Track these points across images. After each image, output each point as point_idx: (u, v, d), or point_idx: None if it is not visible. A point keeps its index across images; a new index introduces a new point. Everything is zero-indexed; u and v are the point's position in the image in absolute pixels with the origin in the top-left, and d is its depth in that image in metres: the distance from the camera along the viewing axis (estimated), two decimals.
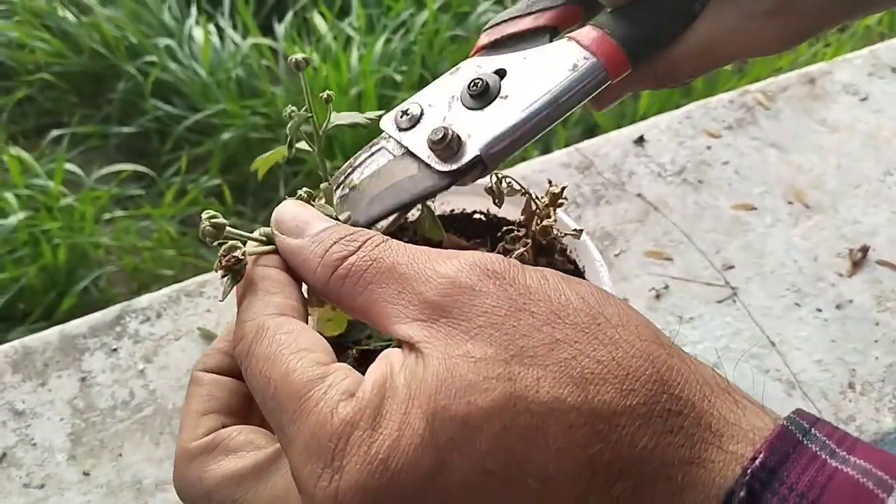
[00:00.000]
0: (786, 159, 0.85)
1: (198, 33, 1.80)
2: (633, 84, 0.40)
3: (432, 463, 0.25)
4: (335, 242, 0.32)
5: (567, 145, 0.87)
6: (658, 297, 0.73)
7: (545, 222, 0.45)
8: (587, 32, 0.37)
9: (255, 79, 1.77)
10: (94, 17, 1.86)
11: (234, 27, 1.87)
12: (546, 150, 1.50)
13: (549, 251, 0.46)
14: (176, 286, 0.74)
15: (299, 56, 0.38)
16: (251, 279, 0.34)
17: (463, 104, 0.36)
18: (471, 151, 0.35)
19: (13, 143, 1.69)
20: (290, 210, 0.34)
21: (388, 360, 0.28)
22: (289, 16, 1.84)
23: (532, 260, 0.45)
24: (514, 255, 0.46)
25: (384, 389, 0.27)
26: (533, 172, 0.84)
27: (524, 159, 0.96)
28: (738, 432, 0.26)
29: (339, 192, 0.38)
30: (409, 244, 0.31)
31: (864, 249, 0.76)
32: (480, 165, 0.35)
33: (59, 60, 1.86)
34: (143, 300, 0.73)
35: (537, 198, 0.47)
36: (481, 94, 0.36)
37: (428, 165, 0.36)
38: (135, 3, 1.89)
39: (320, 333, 0.32)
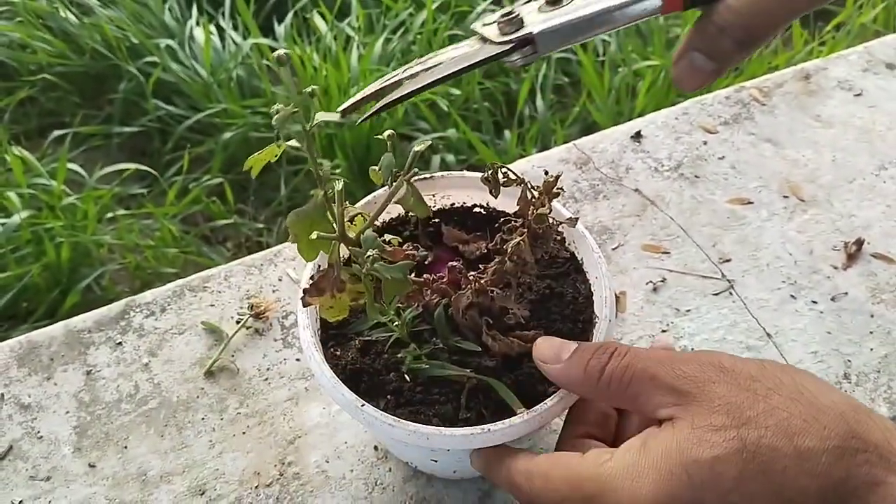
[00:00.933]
0: (781, 154, 0.86)
1: (199, 34, 1.81)
2: (698, 41, 0.43)
3: (691, 498, 0.37)
4: (590, 359, 0.43)
5: (566, 142, 0.88)
6: (655, 289, 0.74)
7: (540, 210, 0.46)
8: None
9: (256, 79, 1.78)
10: (95, 18, 1.87)
11: (235, 27, 1.88)
12: (545, 146, 1.51)
13: (545, 240, 0.47)
14: (180, 281, 0.75)
15: (281, 51, 0.41)
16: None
17: (539, 10, 0.43)
18: (526, 31, 0.41)
19: (15, 143, 1.70)
20: (543, 345, 0.47)
21: (646, 434, 0.41)
22: (289, 16, 1.84)
23: (528, 248, 0.46)
24: (510, 245, 0.47)
25: (643, 443, 0.40)
26: (532, 168, 0.85)
27: (522, 156, 0.97)
28: None
29: (415, 68, 0.44)
30: (647, 349, 0.44)
31: (859, 242, 0.77)
32: (531, 45, 0.41)
33: (60, 61, 1.87)
34: (148, 295, 0.74)
35: (534, 188, 0.48)
36: (554, 2, 0.42)
37: (489, 40, 0.42)
38: (136, 3, 1.90)
39: (324, 319, 0.37)
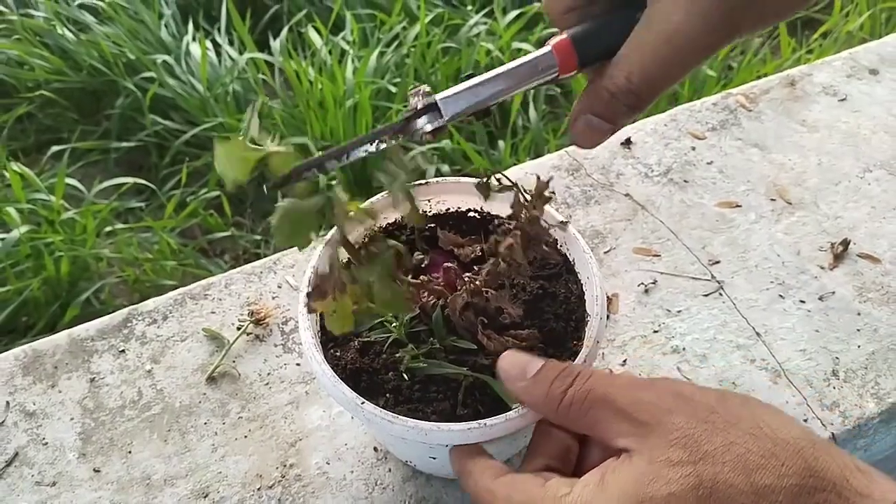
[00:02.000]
0: (768, 158, 0.88)
1: (195, 49, 1.84)
2: (592, 104, 0.44)
3: None
4: (554, 380, 0.43)
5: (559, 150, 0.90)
6: (647, 291, 0.75)
7: (532, 213, 0.47)
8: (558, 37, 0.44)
9: (252, 93, 1.80)
10: (92, 35, 1.89)
11: (231, 43, 1.90)
12: (538, 155, 1.53)
13: (537, 241, 0.49)
14: (181, 290, 0.76)
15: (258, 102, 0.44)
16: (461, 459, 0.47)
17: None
18: (430, 99, 0.44)
19: (14, 159, 1.71)
20: (508, 360, 0.46)
21: (604, 467, 0.40)
22: (284, 31, 1.87)
23: (521, 250, 0.48)
24: (503, 247, 0.48)
25: (602, 478, 0.39)
26: (525, 175, 0.86)
27: (517, 163, 0.98)
28: (870, 501, 0.36)
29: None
30: (611, 373, 0.43)
31: (845, 243, 0.79)
32: (436, 111, 0.44)
33: (58, 77, 1.89)
34: (150, 304, 0.75)
35: (526, 192, 0.49)
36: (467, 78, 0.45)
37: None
38: (132, 20, 1.93)
39: (329, 329, 0.43)
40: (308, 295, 0.47)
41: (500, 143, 1.69)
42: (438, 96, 0.44)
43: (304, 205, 0.45)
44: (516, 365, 0.46)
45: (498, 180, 0.50)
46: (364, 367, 0.53)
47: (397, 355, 0.53)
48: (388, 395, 0.52)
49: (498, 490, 0.43)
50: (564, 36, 0.44)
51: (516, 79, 0.44)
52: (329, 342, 0.55)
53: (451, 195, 0.63)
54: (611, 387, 0.42)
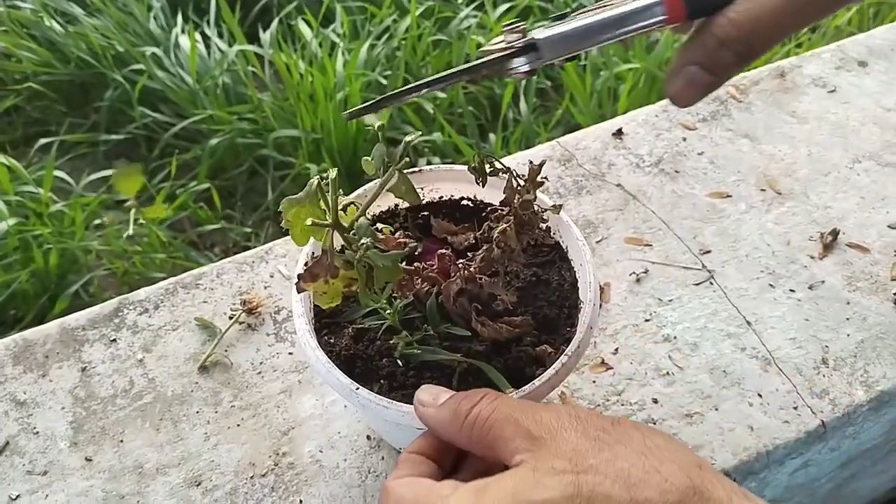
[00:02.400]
0: (758, 149, 0.89)
1: (184, 41, 1.82)
2: (696, 54, 0.43)
3: None
4: (462, 400, 0.44)
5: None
6: (638, 280, 0.75)
7: (525, 197, 0.47)
8: None
9: (242, 85, 1.79)
10: (80, 27, 1.87)
11: (220, 35, 1.89)
12: (529, 144, 1.53)
13: (530, 226, 0.49)
14: (172, 279, 0.76)
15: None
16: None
17: (544, 27, 0.44)
18: (529, 38, 0.43)
19: (1, 151, 1.70)
20: (423, 391, 0.47)
21: (492, 478, 0.40)
22: (274, 23, 1.86)
23: (514, 235, 0.48)
24: (496, 232, 0.49)
25: (485, 484, 0.39)
26: (518, 165, 0.86)
27: (508, 153, 0.99)
28: None
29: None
30: (512, 397, 0.45)
31: (835, 233, 0.79)
32: (535, 52, 0.43)
33: (46, 70, 1.87)
34: (141, 293, 0.75)
35: (519, 176, 0.49)
36: (559, 18, 0.44)
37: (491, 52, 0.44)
38: (121, 12, 1.91)
39: (317, 306, 0.38)
40: (300, 277, 0.46)
41: (492, 135, 1.69)
42: (539, 36, 0.42)
43: (302, 198, 0.45)
44: (430, 394, 0.46)
45: (491, 164, 0.50)
46: (358, 354, 0.53)
47: (391, 342, 0.53)
48: (382, 381, 0.52)
49: (393, 488, 0.43)
50: None
51: (622, 25, 0.43)
52: (322, 329, 0.55)
53: (444, 183, 0.63)
54: (514, 408, 0.42)
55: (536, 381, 0.48)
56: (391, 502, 0.42)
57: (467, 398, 0.44)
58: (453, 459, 0.47)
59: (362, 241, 0.44)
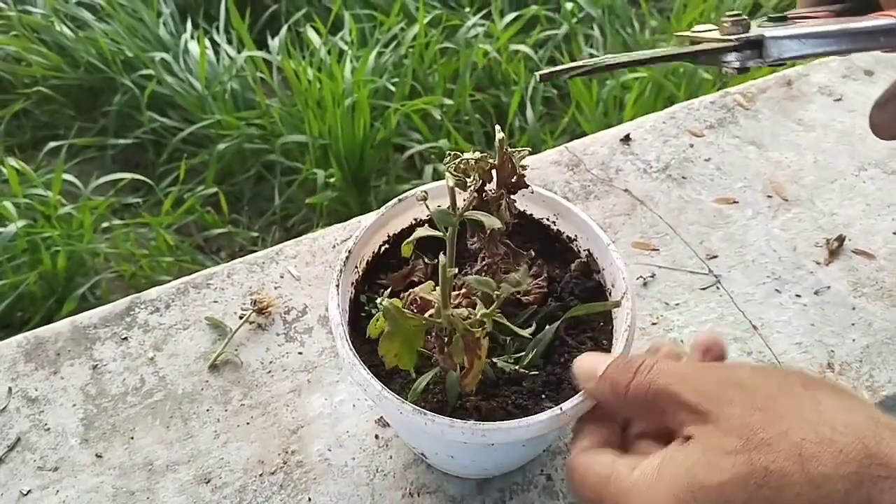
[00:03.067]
0: (765, 156, 0.89)
1: (193, 47, 1.84)
2: None
3: None
4: (618, 374, 0.44)
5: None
6: (645, 284, 0.76)
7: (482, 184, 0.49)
8: None
9: (250, 91, 1.81)
10: (90, 32, 1.89)
11: (230, 41, 1.91)
12: (535, 152, 1.54)
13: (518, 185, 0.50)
14: (184, 279, 0.77)
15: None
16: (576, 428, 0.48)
17: (760, 25, 0.43)
18: (755, 33, 0.41)
19: (11, 154, 1.71)
20: (580, 363, 0.47)
21: (665, 451, 0.40)
22: (283, 30, 1.88)
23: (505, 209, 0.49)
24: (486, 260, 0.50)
25: (660, 463, 0.39)
26: (526, 170, 0.87)
27: None
28: None
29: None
30: (674, 362, 0.43)
31: (841, 239, 0.80)
32: (758, 49, 0.41)
33: (55, 74, 1.89)
34: (153, 292, 0.76)
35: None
36: (779, 20, 0.43)
37: (706, 40, 0.43)
38: (131, 17, 1.93)
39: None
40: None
41: None
42: (767, 33, 0.41)
43: (408, 325, 0.47)
44: (586, 367, 0.47)
45: (465, 163, 0.49)
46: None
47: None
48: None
49: (577, 466, 0.44)
50: None
51: (853, 42, 0.41)
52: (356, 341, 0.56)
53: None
54: (672, 376, 0.42)
55: (574, 399, 0.49)
56: (576, 480, 0.43)
57: (624, 369, 0.44)
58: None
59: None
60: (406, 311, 0.49)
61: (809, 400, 0.38)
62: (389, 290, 0.54)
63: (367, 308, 0.59)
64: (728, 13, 0.43)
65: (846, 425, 0.36)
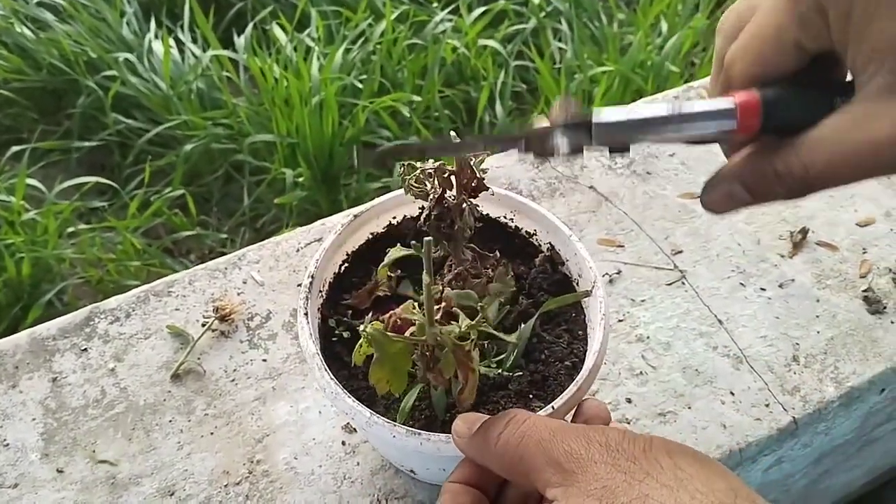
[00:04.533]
0: None
1: (157, 47, 1.81)
2: (747, 176, 0.40)
3: None
4: (491, 426, 0.44)
5: None
6: (612, 281, 0.76)
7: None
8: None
9: (216, 90, 1.79)
10: (52, 33, 1.86)
11: (194, 40, 1.88)
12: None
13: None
14: (144, 287, 0.75)
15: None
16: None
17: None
18: (584, 116, 0.40)
19: None
20: (459, 421, 0.47)
21: None
22: (248, 28, 1.85)
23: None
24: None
25: None
26: (491, 168, 0.87)
27: (485, 159, 0.99)
28: None
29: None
30: (547, 418, 0.43)
31: (804, 231, 0.80)
32: (582, 130, 0.39)
33: (17, 77, 1.85)
34: (112, 301, 0.74)
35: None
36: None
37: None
38: (93, 18, 1.89)
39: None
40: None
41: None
42: (595, 118, 0.39)
43: (395, 348, 0.47)
44: (463, 424, 0.46)
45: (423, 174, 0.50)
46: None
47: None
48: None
49: (453, 491, 0.44)
50: (754, 93, 0.38)
51: (685, 127, 0.39)
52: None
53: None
54: (544, 432, 0.41)
55: (565, 395, 0.49)
56: None
57: (496, 423, 0.43)
58: (497, 484, 0.47)
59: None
60: (390, 334, 0.48)
61: (671, 466, 0.38)
62: (364, 311, 0.54)
63: (337, 332, 0.58)
64: (558, 97, 0.42)
65: (705, 493, 0.36)
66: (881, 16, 0.34)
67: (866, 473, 1.05)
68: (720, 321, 0.73)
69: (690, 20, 1.86)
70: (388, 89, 1.77)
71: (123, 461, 0.63)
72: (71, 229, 1.57)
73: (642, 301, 0.75)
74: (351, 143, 1.65)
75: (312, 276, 0.56)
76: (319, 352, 0.52)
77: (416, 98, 1.72)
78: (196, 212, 1.65)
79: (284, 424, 0.65)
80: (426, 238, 0.46)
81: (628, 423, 0.66)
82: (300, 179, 1.62)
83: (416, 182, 0.48)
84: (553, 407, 0.48)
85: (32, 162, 1.73)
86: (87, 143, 1.81)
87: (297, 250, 0.78)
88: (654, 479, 0.37)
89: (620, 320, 0.73)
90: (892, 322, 0.74)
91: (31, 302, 1.44)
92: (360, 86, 1.73)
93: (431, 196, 0.49)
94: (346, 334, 0.57)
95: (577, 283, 0.59)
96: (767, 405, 0.68)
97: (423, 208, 0.49)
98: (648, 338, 0.72)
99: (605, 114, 0.39)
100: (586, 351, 0.55)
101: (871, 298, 0.75)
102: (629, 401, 0.67)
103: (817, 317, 0.74)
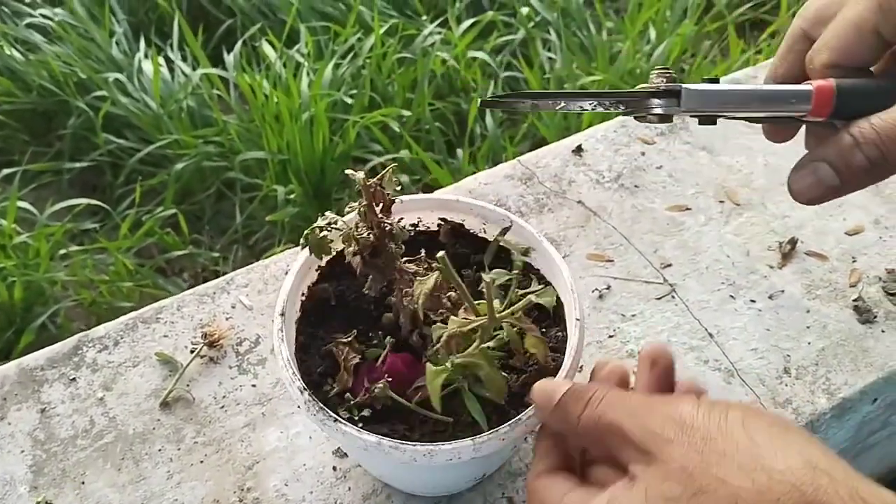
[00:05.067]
0: (716, 161, 0.90)
1: (147, 66, 1.81)
2: (828, 151, 0.44)
3: None
4: (571, 403, 0.44)
5: (516, 157, 0.90)
6: (601, 297, 0.76)
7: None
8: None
9: (207, 108, 1.79)
10: (41, 55, 1.86)
11: (184, 59, 1.88)
12: (496, 163, 1.53)
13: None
14: (133, 314, 0.75)
15: None
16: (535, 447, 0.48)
17: None
18: (675, 84, 0.44)
19: None
20: (537, 391, 0.47)
21: (613, 490, 0.41)
22: (238, 45, 1.85)
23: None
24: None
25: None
26: (479, 185, 0.87)
27: (475, 171, 0.99)
28: None
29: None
30: (623, 394, 0.44)
31: (793, 242, 0.80)
32: (675, 97, 0.44)
33: (7, 99, 1.85)
34: (101, 329, 0.74)
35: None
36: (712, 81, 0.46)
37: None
38: (83, 39, 1.90)
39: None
40: None
41: (459, 151, 1.69)
42: (685, 85, 0.43)
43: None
44: (543, 395, 0.47)
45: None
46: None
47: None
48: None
49: (533, 490, 0.45)
50: (830, 81, 0.43)
51: (765, 102, 0.44)
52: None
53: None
54: (621, 411, 0.42)
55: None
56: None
57: (576, 400, 0.44)
58: (581, 452, 0.47)
59: None
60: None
61: (747, 445, 0.38)
62: (356, 387, 0.54)
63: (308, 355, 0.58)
64: (657, 67, 0.45)
65: (783, 471, 0.36)
66: None
67: None
68: (711, 335, 0.73)
69: (678, 27, 1.87)
70: (378, 103, 1.77)
71: (113, 492, 0.63)
72: (63, 251, 1.57)
73: (633, 316, 0.74)
74: (342, 158, 1.65)
75: (283, 316, 0.56)
76: (304, 387, 0.52)
77: (406, 112, 1.72)
78: (188, 231, 1.64)
79: (275, 451, 0.65)
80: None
81: None
82: (292, 196, 1.62)
83: (317, 240, 0.51)
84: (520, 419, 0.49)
85: (24, 184, 1.72)
86: (78, 164, 1.81)
87: (286, 272, 0.78)
88: (730, 460, 0.37)
89: (611, 336, 0.73)
90: (882, 331, 0.74)
91: (24, 326, 1.44)
92: (351, 101, 1.73)
93: (359, 242, 0.50)
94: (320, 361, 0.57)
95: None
96: None
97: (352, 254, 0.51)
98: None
99: (694, 84, 0.44)
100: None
101: (862, 308, 0.75)
102: None
103: (808, 328, 0.74)
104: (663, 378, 0.48)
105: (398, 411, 0.53)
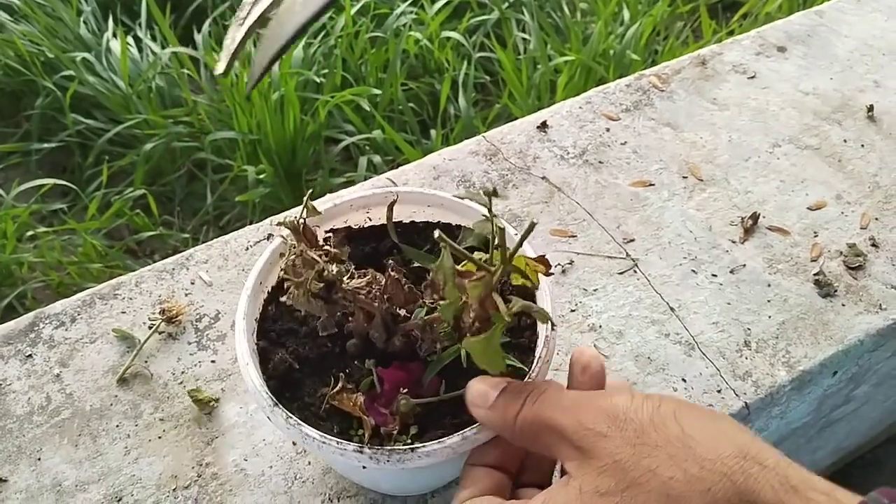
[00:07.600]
0: (680, 137, 0.90)
1: (115, 45, 1.78)
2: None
3: None
4: (508, 402, 0.44)
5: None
6: (564, 272, 0.76)
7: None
8: None
9: (176, 88, 1.76)
10: (7, 34, 1.82)
11: (153, 38, 1.86)
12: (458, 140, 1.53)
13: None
14: (89, 290, 0.74)
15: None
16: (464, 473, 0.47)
17: None
18: None
19: None
20: (473, 389, 0.46)
21: (545, 494, 0.41)
22: (207, 23, 1.83)
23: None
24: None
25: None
26: (444, 161, 0.86)
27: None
28: None
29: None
30: (560, 391, 0.44)
31: (755, 217, 0.81)
32: None
33: None
34: (57, 306, 0.73)
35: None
36: None
37: None
38: (50, 18, 1.86)
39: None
40: None
41: (432, 132, 1.69)
42: None
43: (493, 342, 0.46)
44: (479, 394, 0.46)
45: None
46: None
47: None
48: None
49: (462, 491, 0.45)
50: None
51: None
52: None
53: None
54: (557, 408, 0.42)
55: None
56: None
57: (512, 400, 0.44)
58: (520, 459, 0.47)
59: None
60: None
61: (678, 435, 0.38)
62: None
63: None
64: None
65: (713, 461, 0.36)
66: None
67: (831, 454, 1.06)
68: (672, 308, 0.73)
69: (651, 8, 1.86)
70: (351, 83, 1.75)
71: (69, 468, 0.62)
72: (30, 233, 1.55)
73: (594, 290, 0.75)
74: (313, 138, 1.64)
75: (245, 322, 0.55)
76: (268, 392, 0.50)
77: (376, 91, 1.71)
78: (158, 211, 1.63)
79: (234, 426, 0.65)
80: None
81: None
82: (262, 176, 1.60)
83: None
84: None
85: None
86: (46, 145, 1.78)
87: (247, 248, 0.77)
88: (663, 451, 0.38)
89: (573, 310, 0.73)
90: (842, 305, 0.74)
91: None
92: (321, 80, 1.72)
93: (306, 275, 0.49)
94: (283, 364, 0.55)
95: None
96: (719, 391, 0.68)
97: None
98: (601, 327, 0.72)
99: None
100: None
101: (822, 282, 0.76)
102: None
103: (769, 301, 0.75)
104: (595, 382, 0.47)
105: (429, 411, 0.51)
